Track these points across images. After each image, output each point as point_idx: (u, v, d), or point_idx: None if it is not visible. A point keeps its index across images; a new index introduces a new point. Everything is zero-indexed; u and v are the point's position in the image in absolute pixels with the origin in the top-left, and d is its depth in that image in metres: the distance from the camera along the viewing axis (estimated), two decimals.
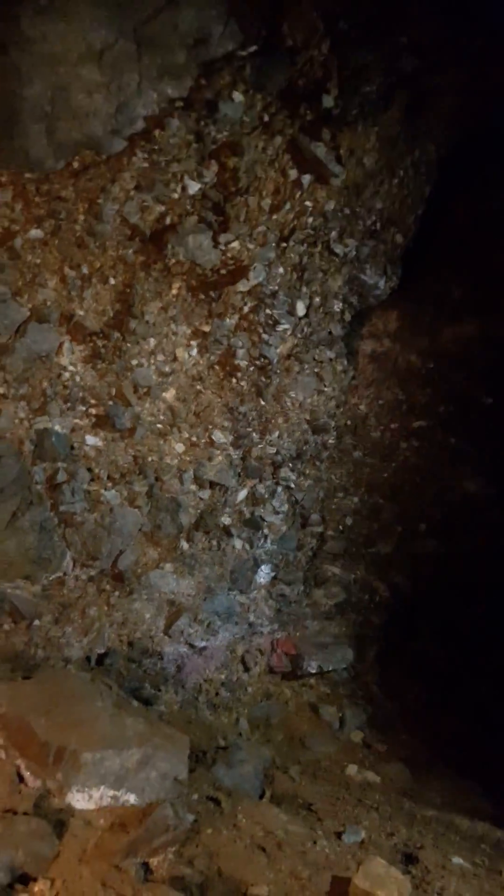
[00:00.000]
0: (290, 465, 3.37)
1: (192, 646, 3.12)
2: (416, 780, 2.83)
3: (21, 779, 1.82)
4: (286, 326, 2.74)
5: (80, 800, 1.79)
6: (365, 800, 2.42)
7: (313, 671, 3.33)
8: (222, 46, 1.93)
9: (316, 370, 3.08)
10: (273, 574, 3.36)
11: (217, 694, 3.14)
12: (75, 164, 2.11)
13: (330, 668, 3.37)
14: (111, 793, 1.81)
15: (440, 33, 2.04)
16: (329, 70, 2.02)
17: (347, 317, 2.93)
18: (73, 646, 2.88)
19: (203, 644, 3.15)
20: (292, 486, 3.40)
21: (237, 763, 2.31)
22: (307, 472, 3.45)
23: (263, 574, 3.34)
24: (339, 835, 2.06)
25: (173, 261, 2.46)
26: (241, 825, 1.88)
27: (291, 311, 2.69)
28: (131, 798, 1.82)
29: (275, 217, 2.37)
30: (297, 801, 2.21)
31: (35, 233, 2.25)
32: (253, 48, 1.97)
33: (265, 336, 2.75)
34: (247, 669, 3.30)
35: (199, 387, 2.86)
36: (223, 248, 2.41)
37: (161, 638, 3.07)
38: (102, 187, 2.17)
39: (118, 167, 2.14)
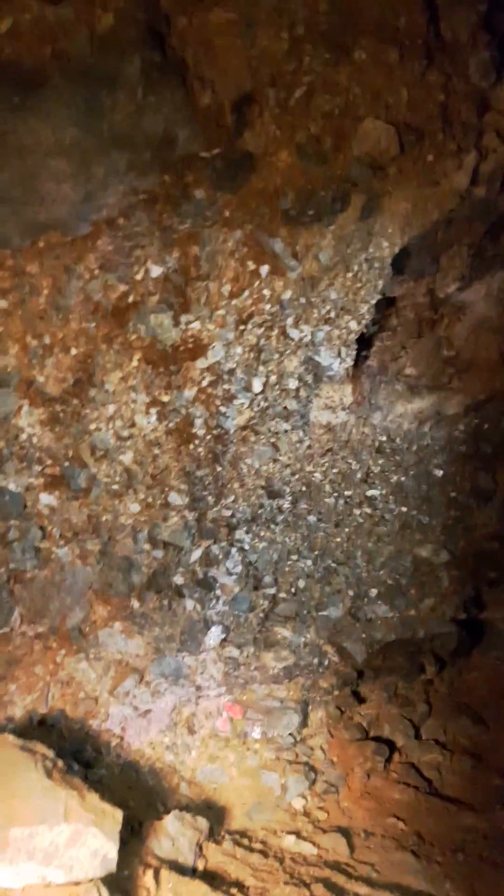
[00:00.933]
0: (245, 527, 3.43)
1: (136, 708, 3.12)
2: (353, 852, 2.84)
3: None
4: (243, 401, 2.84)
5: (6, 878, 1.79)
6: (298, 876, 2.42)
7: (258, 736, 3.33)
8: (185, 148, 2.06)
9: (272, 440, 3.18)
10: (223, 636, 3.38)
11: (160, 758, 3.14)
12: (41, 244, 2.21)
13: (275, 734, 3.38)
14: (39, 871, 1.81)
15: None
16: (287, 176, 2.17)
17: (303, 393, 3.05)
18: (16, 705, 2.87)
19: (148, 706, 3.15)
20: (246, 547, 3.46)
21: (173, 835, 2.31)
22: (262, 534, 3.51)
23: (213, 636, 3.37)
24: None
25: (134, 336, 2.56)
26: None
27: (248, 388, 2.80)
28: (58, 876, 1.82)
29: (234, 302, 2.48)
30: (229, 877, 2.21)
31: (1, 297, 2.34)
32: (216, 151, 2.10)
33: (222, 408, 2.84)
34: (192, 733, 3.29)
35: (156, 451, 2.93)
36: (184, 327, 2.51)
37: (106, 699, 3.07)
38: (66, 266, 2.27)
39: (83, 248, 2.24)
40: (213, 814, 2.88)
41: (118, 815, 1.98)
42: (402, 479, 3.67)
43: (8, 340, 2.41)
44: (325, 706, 3.67)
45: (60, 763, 2.18)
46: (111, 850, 1.86)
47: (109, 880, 1.85)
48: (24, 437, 2.63)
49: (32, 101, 1.87)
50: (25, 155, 1.94)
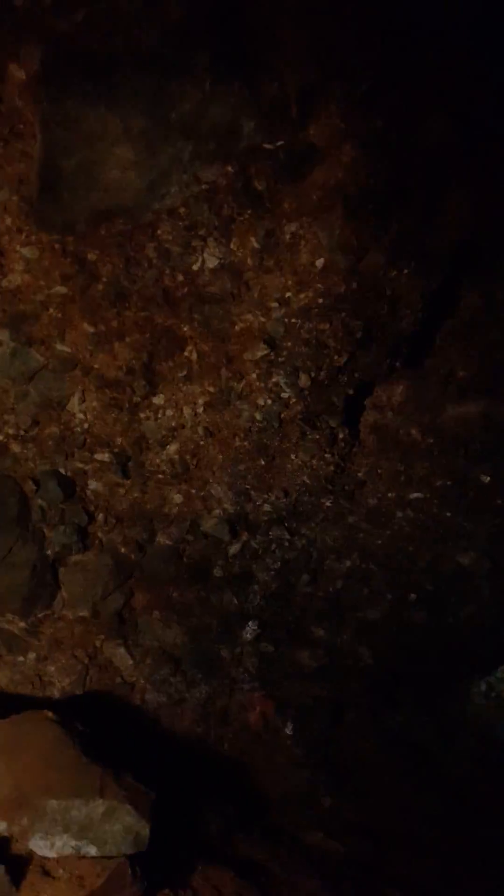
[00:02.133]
0: (286, 524, 3.43)
1: (171, 696, 3.15)
2: (381, 854, 2.81)
3: None
4: (290, 395, 2.84)
5: (41, 847, 1.82)
6: (325, 870, 2.41)
7: (290, 732, 3.33)
8: (250, 139, 2.07)
9: (317, 436, 3.16)
10: (259, 631, 3.39)
11: (192, 748, 3.16)
12: (103, 231, 2.24)
13: (306, 731, 3.37)
14: (73, 843, 1.84)
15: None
16: (349, 169, 2.17)
17: (351, 390, 3.03)
18: (55, 685, 2.92)
19: (183, 695, 3.17)
20: (286, 544, 3.45)
21: (201, 823, 2.33)
22: (302, 531, 3.50)
23: (250, 630, 3.37)
24: None
25: (188, 326, 2.58)
26: (196, 888, 1.89)
27: (296, 382, 2.79)
28: (92, 850, 1.85)
29: (288, 295, 2.48)
30: (256, 867, 2.21)
31: (59, 289, 2.38)
32: (280, 142, 2.11)
33: (269, 402, 2.85)
34: (224, 725, 3.31)
35: (202, 443, 2.95)
36: (236, 319, 2.53)
37: (142, 685, 3.10)
38: (127, 254, 2.30)
39: (143, 237, 2.27)
40: (243, 805, 2.89)
41: (151, 794, 2.00)
42: (448, 483, 3.61)
43: (66, 326, 2.46)
44: (357, 708, 3.64)
45: (97, 742, 2.21)
46: (144, 829, 1.88)
47: (140, 861, 1.87)
48: (76, 423, 2.68)
49: (103, 90, 1.91)
50: (94, 142, 1.98)
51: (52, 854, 1.79)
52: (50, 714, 2.16)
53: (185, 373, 2.73)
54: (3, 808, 1.85)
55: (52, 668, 2.88)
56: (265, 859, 2.37)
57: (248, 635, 3.39)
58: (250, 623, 3.39)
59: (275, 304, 2.56)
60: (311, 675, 3.64)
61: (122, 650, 3.06)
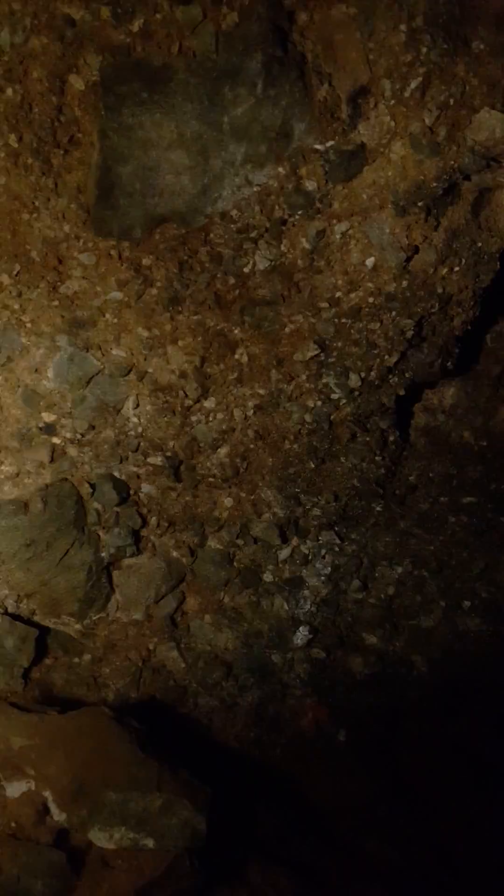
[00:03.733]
0: (336, 528, 3.41)
1: (223, 700, 3.15)
2: (442, 866, 2.74)
3: (47, 811, 1.89)
4: (340, 396, 2.84)
5: (100, 838, 1.84)
6: (384, 879, 2.36)
7: (343, 739, 3.29)
8: (301, 141, 2.11)
9: (367, 439, 3.15)
10: (311, 636, 3.36)
11: (245, 752, 3.14)
12: (157, 236, 2.30)
13: (361, 739, 3.32)
14: (131, 835, 1.86)
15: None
16: (399, 168, 2.18)
17: (402, 391, 3.02)
18: (110, 687, 2.96)
19: (235, 700, 3.17)
20: (336, 549, 3.43)
21: (256, 824, 2.31)
22: (352, 537, 3.48)
23: (301, 636, 3.35)
24: None
25: (239, 329, 2.62)
26: (253, 884, 1.88)
27: (346, 383, 2.80)
28: (150, 843, 1.86)
29: (337, 295, 2.50)
30: (312, 870, 2.18)
31: (115, 294, 2.45)
32: (330, 143, 2.14)
33: (319, 404, 2.85)
34: (277, 730, 3.28)
35: (252, 446, 2.97)
36: (286, 320, 2.55)
37: (195, 689, 3.11)
38: (180, 259, 2.36)
39: (197, 241, 2.32)
40: (294, 811, 2.86)
41: (208, 790, 2.00)
42: (502, 487, 3.55)
43: (122, 331, 2.52)
44: (412, 717, 3.57)
45: (152, 739, 2.23)
46: (201, 823, 1.89)
47: (198, 855, 1.87)
48: (131, 426, 2.73)
49: (159, 96, 1.97)
50: (149, 148, 2.04)
51: (110, 845, 1.81)
52: (105, 710, 2.19)
53: (235, 375, 2.76)
54: (63, 800, 1.88)
55: (107, 670, 2.92)
56: (321, 864, 2.33)
57: (299, 641, 3.36)
58: (301, 629, 3.37)
59: (325, 305, 2.58)
60: (365, 682, 3.58)
61: (174, 653, 3.08)
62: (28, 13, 1.89)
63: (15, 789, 1.87)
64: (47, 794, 1.90)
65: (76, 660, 2.88)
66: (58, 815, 1.86)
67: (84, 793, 1.86)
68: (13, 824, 1.79)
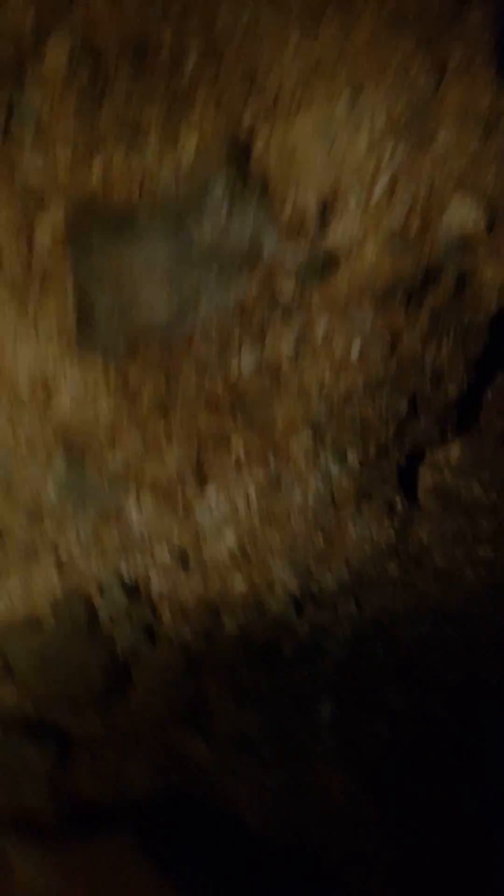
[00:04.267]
0: (353, 595, 3.39)
1: (250, 782, 3.15)
2: None
3: None
4: (340, 473, 2.84)
5: None
6: None
7: (372, 803, 3.26)
8: (272, 253, 2.12)
9: (373, 507, 3.14)
10: (335, 705, 3.35)
11: (275, 833, 3.14)
12: (141, 353, 2.33)
13: (390, 801, 3.29)
14: None
15: None
16: (373, 267, 2.18)
17: (402, 460, 3.00)
18: (135, 783, 2.98)
19: (262, 780, 3.17)
20: (354, 615, 3.42)
21: None
22: (370, 601, 3.46)
23: (325, 707, 3.34)
24: None
25: (233, 423, 2.63)
26: None
27: (344, 461, 2.79)
28: None
29: (326, 384, 2.50)
30: None
31: (106, 407, 2.48)
32: (301, 253, 2.15)
33: (320, 484, 2.85)
34: (306, 805, 3.27)
35: (258, 529, 2.98)
36: (278, 412, 2.56)
37: (220, 774, 3.11)
38: (167, 371, 2.38)
39: (181, 354, 2.35)
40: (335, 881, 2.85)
41: None
42: None
43: (117, 441, 2.55)
44: (442, 773, 3.53)
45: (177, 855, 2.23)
46: None
47: None
48: (134, 525, 2.76)
49: (127, 235, 2.00)
50: (122, 282, 2.07)
51: None
52: (127, 838, 2.20)
53: (234, 466, 2.78)
54: None
55: (132, 766, 2.94)
56: None
57: (323, 712, 3.35)
58: (324, 699, 3.35)
59: (315, 394, 2.58)
60: (391, 743, 3.56)
61: (198, 740, 3.09)
62: None
63: None
64: None
65: (99, 759, 2.91)
66: None
67: None
68: None
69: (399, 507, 3.29)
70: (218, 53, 1.99)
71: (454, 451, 3.52)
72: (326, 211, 2.10)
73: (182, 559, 2.89)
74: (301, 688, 3.31)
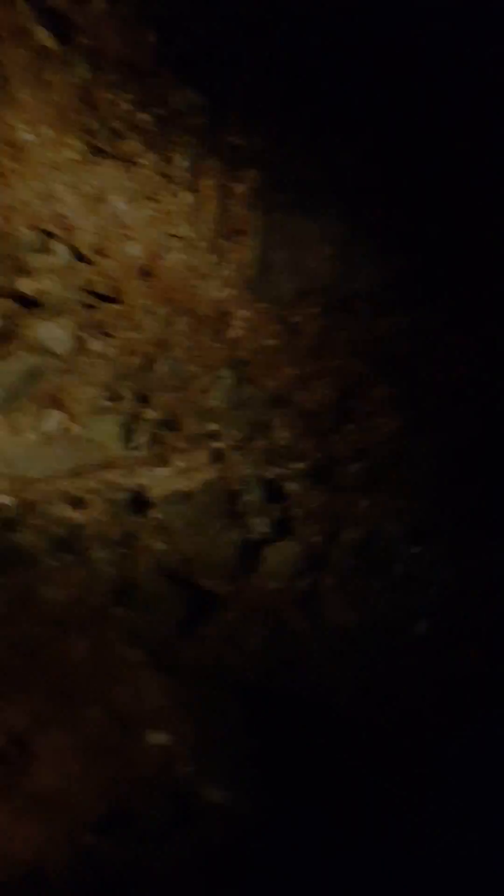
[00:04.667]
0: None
1: (345, 670, 3.66)
2: None
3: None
4: None
5: None
6: None
7: None
8: None
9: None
10: (429, 627, 3.71)
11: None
12: (304, 304, 2.74)
13: None
14: None
15: None
16: None
17: None
18: (247, 643, 3.58)
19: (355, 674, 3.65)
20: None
21: None
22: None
23: (421, 626, 3.71)
24: None
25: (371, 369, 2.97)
26: None
27: None
28: None
29: None
30: None
31: (269, 342, 2.96)
32: None
33: None
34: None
35: (387, 462, 3.34)
36: None
37: (318, 657, 3.65)
38: (325, 323, 2.78)
39: (337, 310, 2.73)
40: None
41: None
42: None
43: (274, 369, 3.03)
44: None
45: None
46: None
47: None
48: (279, 439, 3.27)
49: (305, 205, 2.35)
50: (296, 242, 2.47)
51: None
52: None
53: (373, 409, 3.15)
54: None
55: (245, 629, 3.56)
56: None
57: (418, 631, 3.73)
58: (422, 620, 3.73)
59: None
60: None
61: (307, 623, 3.62)
62: (199, 144, 2.35)
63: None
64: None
65: (223, 617, 3.58)
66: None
67: None
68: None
69: None
70: None
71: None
72: None
73: (316, 474, 3.36)
74: (404, 604, 3.69)
